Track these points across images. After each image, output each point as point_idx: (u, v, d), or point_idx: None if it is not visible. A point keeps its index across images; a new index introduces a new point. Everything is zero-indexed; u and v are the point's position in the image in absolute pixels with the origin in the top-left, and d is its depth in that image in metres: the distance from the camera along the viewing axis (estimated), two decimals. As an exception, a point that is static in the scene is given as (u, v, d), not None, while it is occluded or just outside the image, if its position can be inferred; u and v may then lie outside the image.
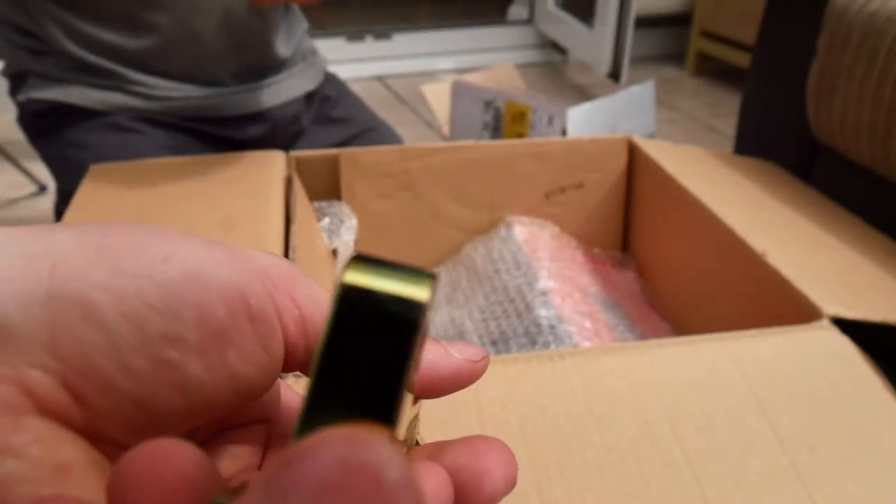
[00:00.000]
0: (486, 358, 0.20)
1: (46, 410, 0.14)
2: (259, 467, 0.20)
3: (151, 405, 0.16)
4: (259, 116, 0.80)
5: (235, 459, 0.19)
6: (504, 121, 1.25)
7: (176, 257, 0.16)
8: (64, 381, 0.15)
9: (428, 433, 0.24)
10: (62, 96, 0.72)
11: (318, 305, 0.18)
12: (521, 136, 1.22)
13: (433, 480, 0.16)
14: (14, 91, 0.76)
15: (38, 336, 0.14)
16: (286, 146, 0.83)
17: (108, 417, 0.15)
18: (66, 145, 0.73)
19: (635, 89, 1.24)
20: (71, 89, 0.73)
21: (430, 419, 0.32)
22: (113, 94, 0.73)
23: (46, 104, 0.73)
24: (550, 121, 1.16)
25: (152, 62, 0.73)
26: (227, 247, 0.17)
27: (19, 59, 0.74)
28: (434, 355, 0.19)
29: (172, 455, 0.13)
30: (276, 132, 0.82)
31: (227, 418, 0.19)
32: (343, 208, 0.62)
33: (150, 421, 0.16)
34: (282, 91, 0.81)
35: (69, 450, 0.15)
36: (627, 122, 1.22)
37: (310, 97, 0.86)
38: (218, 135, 0.78)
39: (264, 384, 0.17)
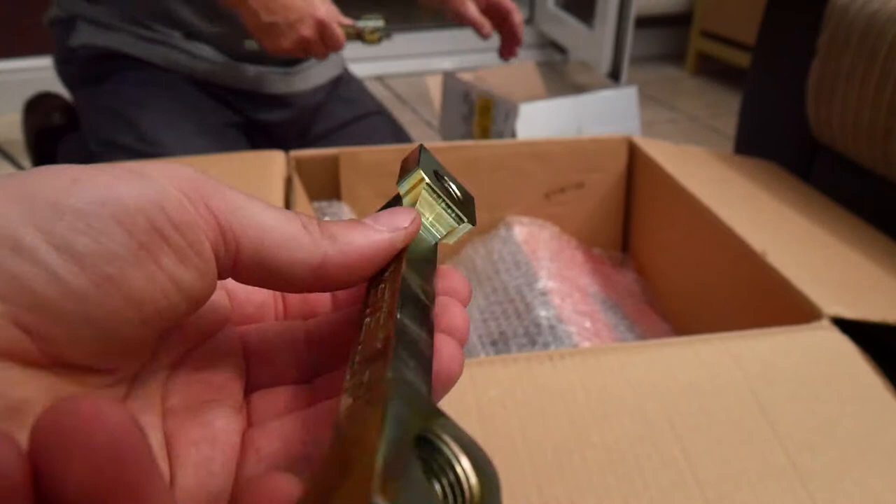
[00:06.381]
0: (416, 219, 0.22)
1: (3, 351, 0.15)
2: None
3: (106, 324, 0.16)
4: (285, 100, 0.85)
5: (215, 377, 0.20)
6: (476, 113, 1.23)
7: (83, 179, 0.16)
8: (13, 320, 0.15)
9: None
10: (115, 44, 0.77)
11: (235, 215, 0.18)
12: (485, 129, 1.20)
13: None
14: (62, 37, 0.79)
15: None
16: (304, 129, 0.89)
17: (68, 345, 0.16)
18: (118, 97, 0.78)
19: (610, 93, 1.19)
20: (122, 37, 0.77)
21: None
22: (161, 47, 0.78)
23: (100, 51, 0.77)
24: (506, 117, 1.12)
25: (203, 31, 0.78)
26: (130, 167, 0.17)
27: (73, 2, 0.77)
28: (357, 236, 0.20)
29: (103, 414, 0.12)
30: (300, 116, 0.88)
31: (189, 339, 0.20)
32: (343, 208, 0.62)
33: (111, 341, 0.16)
34: (310, 78, 0.86)
35: (27, 388, 0.15)
36: (601, 126, 1.16)
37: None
38: (243, 109, 0.84)
39: (207, 286, 0.18)
